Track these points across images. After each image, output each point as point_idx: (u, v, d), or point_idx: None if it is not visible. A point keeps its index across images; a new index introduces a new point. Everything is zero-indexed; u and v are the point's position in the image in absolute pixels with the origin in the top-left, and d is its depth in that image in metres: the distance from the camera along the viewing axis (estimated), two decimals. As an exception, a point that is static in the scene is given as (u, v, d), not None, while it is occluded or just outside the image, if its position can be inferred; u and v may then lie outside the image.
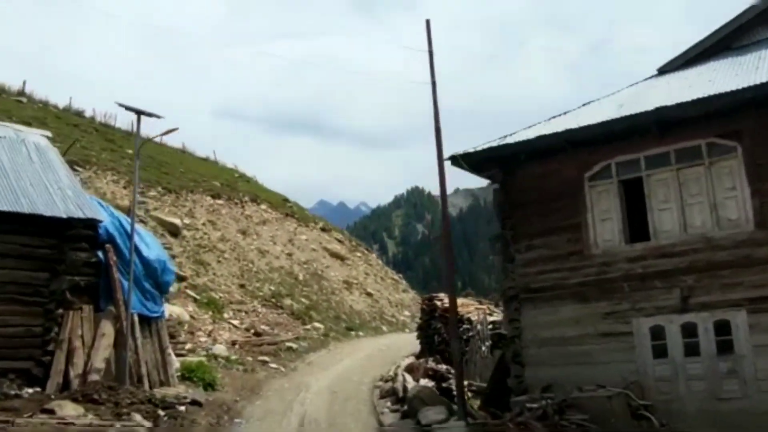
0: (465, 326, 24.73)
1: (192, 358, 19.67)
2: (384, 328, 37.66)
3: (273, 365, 23.52)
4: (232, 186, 43.11)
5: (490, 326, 25.26)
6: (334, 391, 19.46)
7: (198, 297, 28.67)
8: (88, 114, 44.50)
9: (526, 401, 12.15)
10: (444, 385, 18.77)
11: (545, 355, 13.20)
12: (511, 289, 13.82)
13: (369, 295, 41.42)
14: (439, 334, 25.04)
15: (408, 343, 31.31)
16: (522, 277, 13.74)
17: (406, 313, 43.19)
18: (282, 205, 45.46)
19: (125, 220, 16.36)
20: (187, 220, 34.70)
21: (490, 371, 22.31)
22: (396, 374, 18.40)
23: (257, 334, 27.51)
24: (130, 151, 39.61)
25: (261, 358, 24.16)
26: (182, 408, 14.90)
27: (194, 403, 15.71)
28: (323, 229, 46.37)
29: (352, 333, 33.76)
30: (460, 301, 26.43)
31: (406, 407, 14.61)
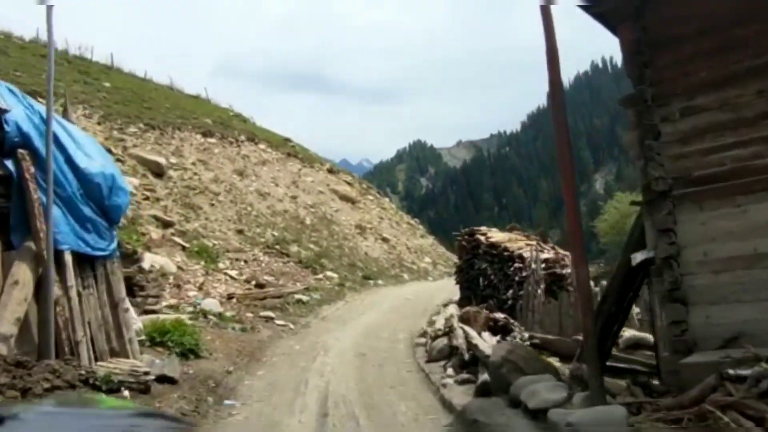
0: (517, 265, 19.48)
1: (169, 316, 14.37)
2: (405, 276, 32.43)
3: (279, 322, 18.27)
4: (226, 124, 37.58)
5: (543, 266, 20.12)
6: (361, 353, 14.15)
7: (187, 245, 23.41)
8: (60, 46, 38.71)
9: (719, 364, 6.79)
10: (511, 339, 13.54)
11: (726, 286, 7.81)
12: (658, 181, 8.31)
13: (385, 240, 36.13)
14: (484, 275, 19.71)
15: (438, 290, 26.25)
16: (676, 161, 8.20)
17: (427, 259, 37.94)
18: (283, 145, 39.96)
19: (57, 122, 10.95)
20: (173, 159, 29.27)
21: (555, 318, 17.15)
22: (452, 327, 13.01)
23: (259, 285, 22.27)
24: (107, 84, 34.06)
25: (264, 313, 18.93)
26: (142, 388, 9.62)
27: (164, 379, 10.43)
28: (330, 171, 40.92)
29: (370, 282, 28.58)
30: (505, 235, 21.12)
31: (486, 376, 9.22)
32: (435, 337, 13.51)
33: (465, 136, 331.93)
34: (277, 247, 26.94)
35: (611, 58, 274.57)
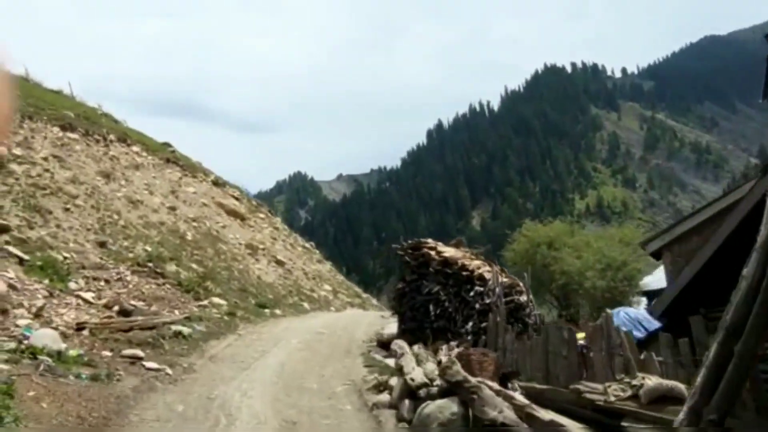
0: (478, 288, 14.54)
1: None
2: (305, 305, 26.85)
3: (151, 364, 12.46)
4: (93, 120, 30.96)
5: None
6: (292, 422, 8.64)
7: (27, 257, 17.12)
8: None
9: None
10: (514, 390, 8.50)
11: None
12: None
13: (280, 264, 30.44)
14: (436, 302, 14.59)
15: (354, 323, 21.15)
16: None
17: (327, 287, 32.46)
18: (161, 150, 33.63)
19: None
20: (18, 151, 22.69)
21: (541, 359, 12.38)
22: (464, 380, 7.74)
23: (124, 312, 16.23)
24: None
25: (129, 351, 13.04)
26: None
27: None
28: (216, 183, 34.86)
29: (266, 311, 22.88)
30: (457, 251, 16.18)
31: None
32: (423, 398, 8.22)
33: (346, 170, 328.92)
34: (150, 264, 20.84)
35: (488, 103, 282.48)
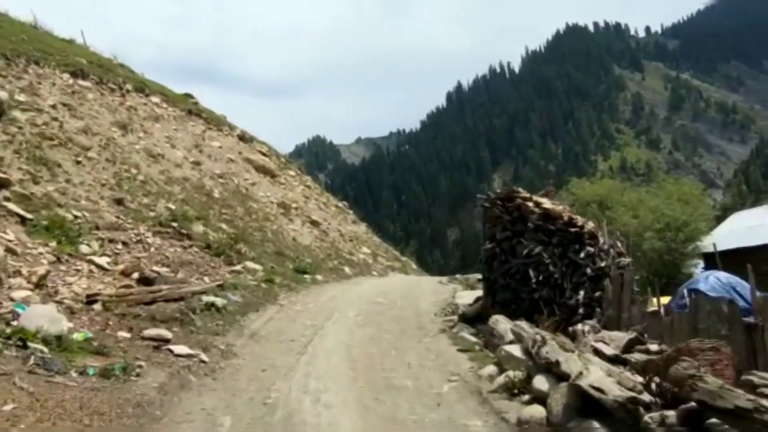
0: (589, 249, 11.42)
1: None
2: (346, 269, 23.91)
3: (180, 349, 9.54)
4: (108, 68, 27.83)
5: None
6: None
7: (30, 216, 14.27)
8: None
9: None
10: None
11: None
12: None
13: (315, 224, 27.47)
14: (538, 265, 11.48)
15: (410, 288, 18.31)
16: None
17: (365, 249, 29.45)
18: (183, 101, 30.50)
19: None
20: (22, 97, 19.68)
21: (682, 337, 9.24)
22: (741, 399, 4.66)
23: (146, 281, 13.36)
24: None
25: (152, 332, 10.15)
26: None
27: None
28: (242, 138, 31.75)
29: (306, 277, 19.97)
30: (557, 205, 13.05)
31: None
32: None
33: (364, 134, 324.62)
34: (174, 225, 17.93)
35: (509, 64, 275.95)
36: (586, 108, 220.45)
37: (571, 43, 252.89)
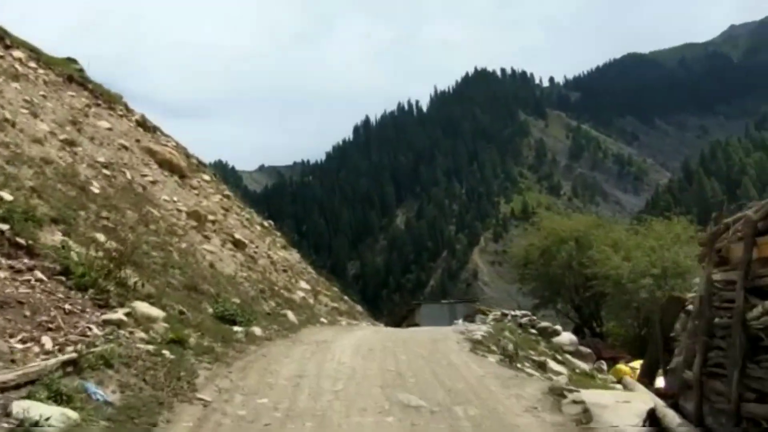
0: None
1: None
2: (289, 315, 15.58)
3: None
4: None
5: None
6: None
7: None
8: None
9: None
10: None
11: None
12: None
13: (239, 245, 19.09)
14: None
15: (436, 362, 10.05)
16: None
17: (303, 284, 21.19)
18: (63, 65, 21.56)
19: None
20: None
21: None
22: None
23: None
24: None
25: None
26: None
27: None
28: (143, 125, 23.01)
29: (237, 330, 11.62)
30: None
31: None
32: None
33: (268, 162, 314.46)
34: (4, 228, 9.40)
35: (417, 102, 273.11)
36: (491, 150, 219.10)
37: (479, 87, 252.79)
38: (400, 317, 46.18)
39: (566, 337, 20.88)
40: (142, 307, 9.64)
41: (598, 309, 32.10)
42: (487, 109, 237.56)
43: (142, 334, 8.72)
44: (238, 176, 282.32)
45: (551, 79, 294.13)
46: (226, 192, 25.21)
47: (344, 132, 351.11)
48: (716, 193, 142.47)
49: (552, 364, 16.33)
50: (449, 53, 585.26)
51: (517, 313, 21.92)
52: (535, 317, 21.78)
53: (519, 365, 11.68)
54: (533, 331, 20.39)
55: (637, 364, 25.31)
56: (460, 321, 32.39)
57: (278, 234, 26.59)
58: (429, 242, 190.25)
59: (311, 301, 19.73)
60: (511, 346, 13.42)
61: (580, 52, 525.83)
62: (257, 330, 12.28)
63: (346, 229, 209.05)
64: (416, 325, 41.49)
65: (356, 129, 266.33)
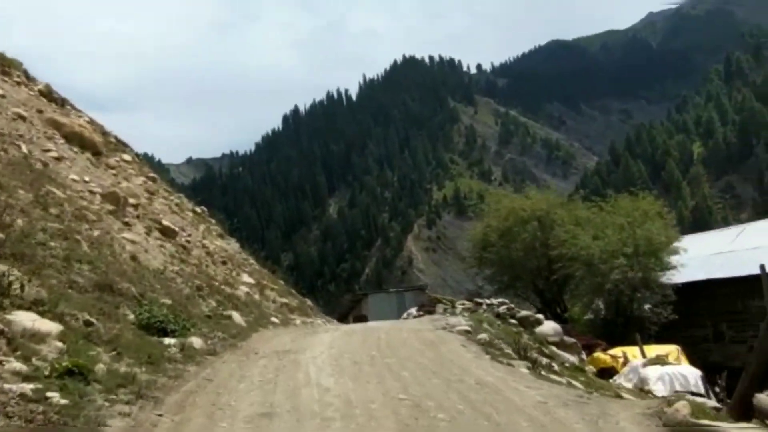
0: None
1: None
2: (234, 315, 12.36)
3: None
4: None
5: None
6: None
7: None
8: None
9: None
10: None
11: None
12: None
13: (168, 234, 15.71)
14: None
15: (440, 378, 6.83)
16: None
17: (247, 278, 17.92)
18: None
19: None
20: None
21: None
22: None
23: None
24: None
25: None
26: None
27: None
28: (47, 96, 19.25)
29: (169, 343, 8.44)
30: None
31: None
32: None
33: (196, 154, 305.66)
34: None
35: (346, 91, 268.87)
36: (421, 137, 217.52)
37: (408, 74, 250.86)
38: (346, 308, 43.26)
39: (549, 327, 18.27)
40: (24, 319, 6.40)
41: (561, 293, 29.77)
42: (417, 96, 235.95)
43: (18, 365, 5.51)
44: (165, 169, 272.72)
45: (479, 66, 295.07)
46: (151, 174, 21.61)
47: (273, 122, 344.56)
48: (642, 175, 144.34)
49: (540, 360, 13.73)
50: (376, 42, 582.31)
51: (494, 301, 19.18)
52: (513, 306, 19.08)
53: (543, 372, 8.87)
54: (513, 321, 17.73)
55: (617, 351, 23.11)
56: (413, 311, 29.71)
57: (213, 221, 23.09)
58: (363, 231, 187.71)
59: (257, 297, 16.53)
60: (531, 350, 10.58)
61: (506, 39, 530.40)
62: (196, 341, 9.10)
63: (279, 220, 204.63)
64: (364, 317, 38.69)
65: (285, 119, 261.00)
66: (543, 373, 8.91)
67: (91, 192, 14.19)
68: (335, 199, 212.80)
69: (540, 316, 18.85)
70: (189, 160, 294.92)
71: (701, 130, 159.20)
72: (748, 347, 28.36)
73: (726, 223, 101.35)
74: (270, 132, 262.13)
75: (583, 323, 27.59)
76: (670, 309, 25.51)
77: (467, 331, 13.71)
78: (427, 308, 28.33)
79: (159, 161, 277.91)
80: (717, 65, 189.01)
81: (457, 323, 14.89)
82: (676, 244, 26.47)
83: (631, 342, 24.95)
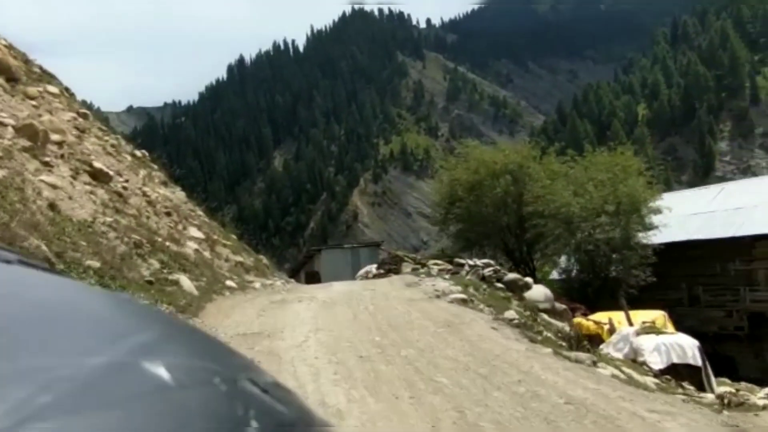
0: None
1: None
2: (182, 279, 9.81)
3: None
4: None
5: None
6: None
7: None
8: None
9: None
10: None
11: None
12: None
13: (99, 177, 12.92)
14: None
15: None
16: None
17: (195, 232, 15.25)
18: None
19: None
20: None
21: None
22: None
23: None
24: None
25: None
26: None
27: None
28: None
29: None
30: None
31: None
32: None
33: (137, 102, 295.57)
34: None
35: (293, 41, 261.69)
36: (369, 91, 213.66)
37: (357, 27, 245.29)
38: (298, 264, 40.94)
39: (539, 292, 16.23)
40: None
41: (530, 252, 27.86)
42: (366, 49, 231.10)
43: None
44: (105, 118, 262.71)
45: (428, 21, 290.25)
46: (83, 111, 18.51)
47: (217, 72, 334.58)
48: (588, 134, 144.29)
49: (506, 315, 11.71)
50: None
51: (477, 262, 16.93)
52: (499, 268, 16.93)
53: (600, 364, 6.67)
54: (500, 285, 15.60)
55: (600, 317, 21.37)
56: (372, 269, 27.45)
57: (155, 167, 20.13)
58: (308, 184, 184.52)
59: (208, 254, 13.94)
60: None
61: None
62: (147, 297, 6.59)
63: (223, 173, 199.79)
64: (316, 273, 36.35)
65: (230, 69, 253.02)
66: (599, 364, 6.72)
67: (2, 124, 11.29)
68: (280, 152, 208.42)
69: (529, 279, 16.75)
70: (130, 109, 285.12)
71: (647, 91, 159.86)
72: (726, 312, 27.35)
73: (667, 184, 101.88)
74: (214, 82, 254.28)
75: (555, 285, 25.79)
76: (649, 271, 23.87)
77: (464, 300, 11.50)
78: (389, 266, 26.10)
79: (98, 109, 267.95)
80: (664, 28, 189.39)
81: (446, 289, 12.66)
82: (658, 202, 24.73)
83: (606, 305, 23.29)
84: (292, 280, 20.89)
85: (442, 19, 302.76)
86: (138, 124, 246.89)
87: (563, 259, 25.74)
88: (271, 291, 12.62)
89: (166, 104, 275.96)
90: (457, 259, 18.19)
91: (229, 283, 11.93)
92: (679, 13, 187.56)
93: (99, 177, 12.82)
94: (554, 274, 28.23)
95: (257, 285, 13.15)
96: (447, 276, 15.76)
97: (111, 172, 13.62)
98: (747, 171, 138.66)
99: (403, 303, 9.69)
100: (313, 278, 35.75)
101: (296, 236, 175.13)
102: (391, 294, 11.24)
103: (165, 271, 9.81)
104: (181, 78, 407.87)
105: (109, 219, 10.83)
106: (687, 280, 26.38)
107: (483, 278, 15.76)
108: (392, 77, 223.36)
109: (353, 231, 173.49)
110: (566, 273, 25.85)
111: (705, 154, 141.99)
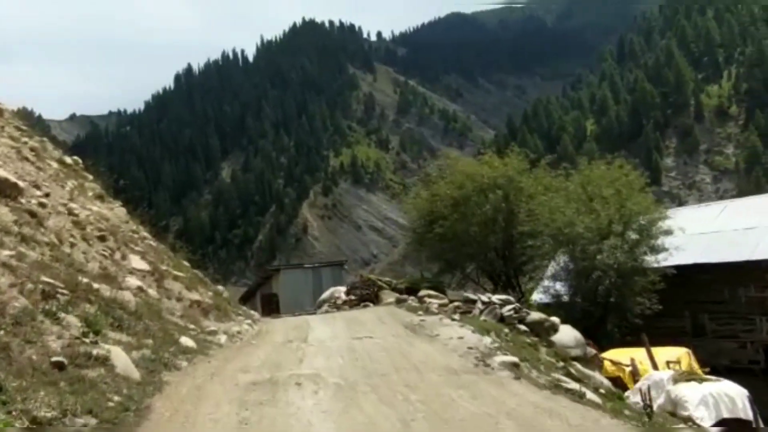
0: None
1: None
2: (115, 353, 6.26)
3: None
4: None
5: None
6: None
7: None
8: None
9: None
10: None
11: None
12: None
13: (4, 193, 9.22)
14: None
15: None
16: None
17: (138, 262, 11.64)
18: None
19: None
20: None
21: None
22: None
23: None
24: None
25: None
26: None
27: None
28: None
29: None
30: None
31: None
32: None
33: (80, 110, 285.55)
34: None
35: (242, 51, 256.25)
36: (319, 103, 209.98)
37: (307, 38, 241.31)
38: (254, 284, 37.29)
39: (569, 336, 13.09)
40: None
41: (517, 276, 24.78)
42: (316, 60, 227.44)
43: None
44: (46, 125, 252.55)
45: (379, 34, 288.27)
46: (-3, 105, 14.69)
47: (164, 81, 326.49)
48: (538, 149, 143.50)
49: (571, 384, 8.57)
50: (276, 2, 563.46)
51: (495, 299, 13.61)
52: (520, 305, 13.69)
53: None
54: (523, 327, 12.41)
55: (617, 355, 18.40)
56: (342, 294, 24.11)
57: (89, 177, 16.33)
58: (257, 196, 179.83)
59: (154, 293, 10.38)
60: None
61: (406, 8, 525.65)
62: None
63: (168, 183, 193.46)
64: (274, 296, 32.74)
65: (177, 78, 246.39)
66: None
67: None
68: (228, 163, 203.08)
69: (555, 319, 13.52)
70: (73, 117, 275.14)
71: (595, 107, 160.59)
72: (740, 343, 24.66)
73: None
74: (161, 90, 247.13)
75: (549, 311, 22.74)
76: (655, 299, 21.07)
77: (515, 365, 8.24)
78: (361, 291, 22.75)
79: (39, 116, 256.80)
80: (610, 46, 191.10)
81: (478, 343, 9.39)
82: (668, 222, 21.94)
83: (612, 339, 20.45)
84: (255, 313, 17.32)
85: (392, 32, 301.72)
86: (81, 132, 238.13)
87: (559, 285, 22.74)
88: (242, 347, 9.20)
89: (111, 113, 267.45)
90: (469, 296, 14.81)
91: (184, 340, 8.44)
92: (625, 31, 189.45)
93: (1, 190, 9.18)
94: (538, 296, 25.10)
95: (222, 338, 9.70)
96: (456, 317, 12.49)
97: (22, 184, 9.97)
98: (692, 186, 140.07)
99: (446, 379, 6.45)
100: (271, 302, 32.15)
101: (244, 249, 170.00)
102: (410, 353, 7.98)
103: (88, 337, 6.32)
104: (127, 86, 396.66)
105: (6, 253, 7.24)
106: (690, 307, 23.70)
107: (501, 319, 12.55)
108: (343, 89, 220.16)
109: (303, 244, 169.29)
110: (554, 298, 22.87)
111: (652, 169, 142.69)
